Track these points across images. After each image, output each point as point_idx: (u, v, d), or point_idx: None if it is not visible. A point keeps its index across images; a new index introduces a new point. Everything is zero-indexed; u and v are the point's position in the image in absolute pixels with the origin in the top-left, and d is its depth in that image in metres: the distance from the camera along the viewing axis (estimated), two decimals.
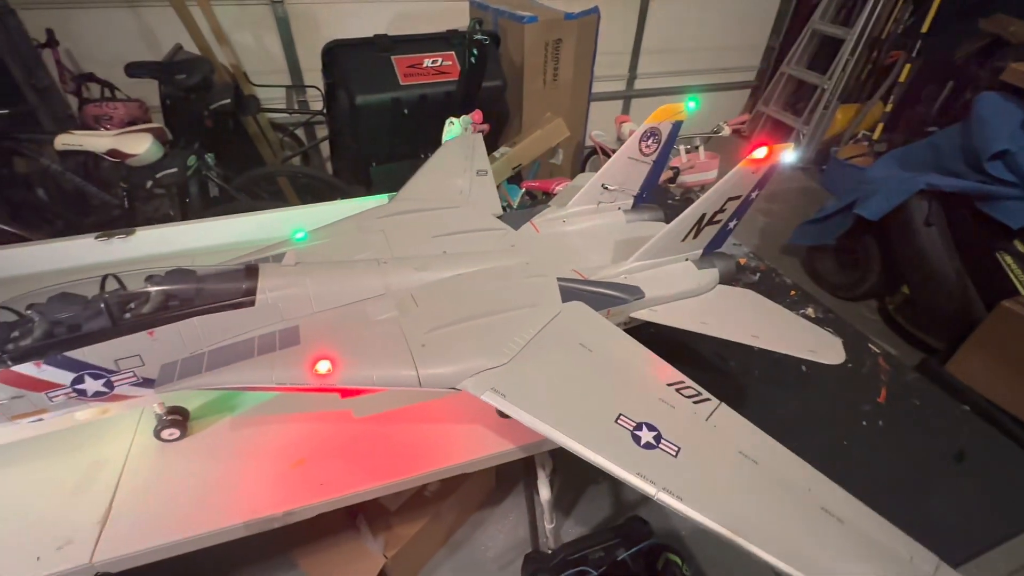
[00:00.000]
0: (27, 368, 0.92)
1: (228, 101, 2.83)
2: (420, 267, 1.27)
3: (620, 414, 0.97)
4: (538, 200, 3.18)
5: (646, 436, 0.94)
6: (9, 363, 0.91)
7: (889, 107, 4.61)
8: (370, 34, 3.26)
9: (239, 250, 1.82)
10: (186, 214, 2.76)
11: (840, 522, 0.86)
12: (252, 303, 1.08)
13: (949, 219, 2.96)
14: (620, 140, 3.87)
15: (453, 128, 2.61)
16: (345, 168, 3.79)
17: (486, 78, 3.33)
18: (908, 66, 4.44)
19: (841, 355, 1.28)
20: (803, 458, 1.35)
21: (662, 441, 0.94)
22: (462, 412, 1.29)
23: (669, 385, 1.04)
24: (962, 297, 2.90)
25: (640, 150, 1.66)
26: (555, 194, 3.13)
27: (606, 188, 1.66)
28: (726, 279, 1.54)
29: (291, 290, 1.12)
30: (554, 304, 1.22)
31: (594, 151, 4.12)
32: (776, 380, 1.55)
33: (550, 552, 1.79)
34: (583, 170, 4.21)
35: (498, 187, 3.30)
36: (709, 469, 0.91)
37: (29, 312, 0.95)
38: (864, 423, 1.44)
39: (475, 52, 2.98)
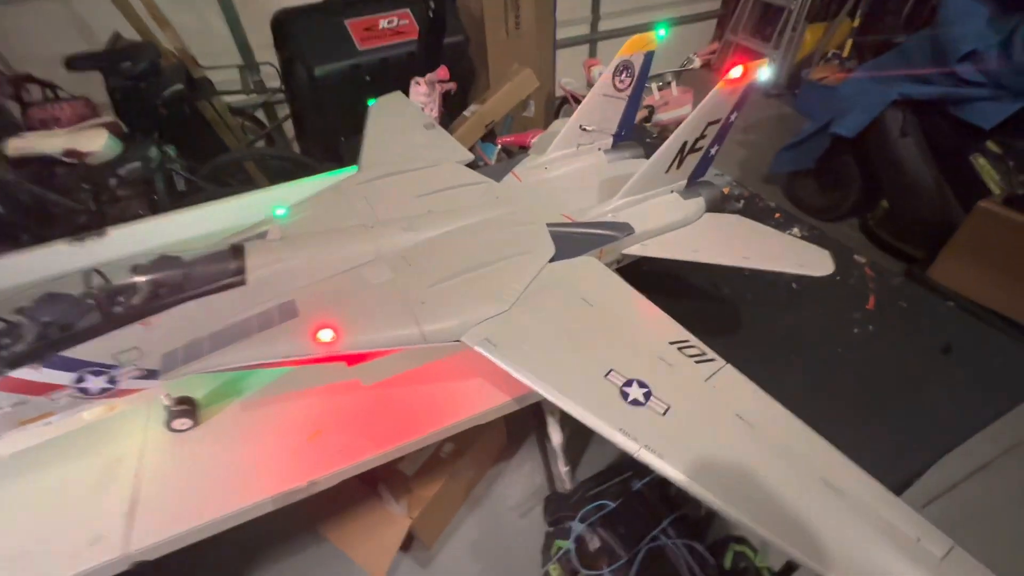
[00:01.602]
0: (26, 372, 0.91)
1: (180, 87, 2.69)
2: (408, 227, 1.26)
3: (611, 369, 0.95)
4: (513, 155, 3.13)
5: (635, 392, 0.92)
6: (6, 370, 0.90)
7: (857, 22, 4.55)
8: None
9: (219, 238, 1.80)
10: (156, 211, 2.68)
11: (840, 494, 0.80)
12: (243, 282, 1.06)
13: (923, 127, 2.97)
14: (591, 85, 3.78)
15: (419, 88, 2.53)
16: (313, 145, 3.67)
17: (447, 34, 3.21)
18: None
19: (830, 266, 1.31)
20: (803, 370, 1.41)
21: (651, 399, 0.91)
22: (468, 369, 1.30)
23: (672, 343, 1.02)
24: (940, 204, 2.95)
25: (614, 86, 1.63)
26: (531, 147, 3.09)
27: (584, 129, 1.64)
28: (712, 207, 1.54)
29: (281, 264, 1.10)
30: (547, 249, 1.22)
31: (565, 100, 4.03)
32: (770, 301, 1.58)
33: (568, 491, 1.86)
34: (555, 116, 4.13)
35: (472, 147, 3.25)
36: (699, 430, 0.87)
37: (17, 317, 0.93)
38: (856, 331, 1.49)
39: (432, 7, 2.86)
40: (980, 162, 2.80)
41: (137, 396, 1.05)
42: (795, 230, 1.85)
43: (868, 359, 1.41)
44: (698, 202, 1.48)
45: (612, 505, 1.71)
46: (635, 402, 0.91)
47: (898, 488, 1.14)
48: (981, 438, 1.22)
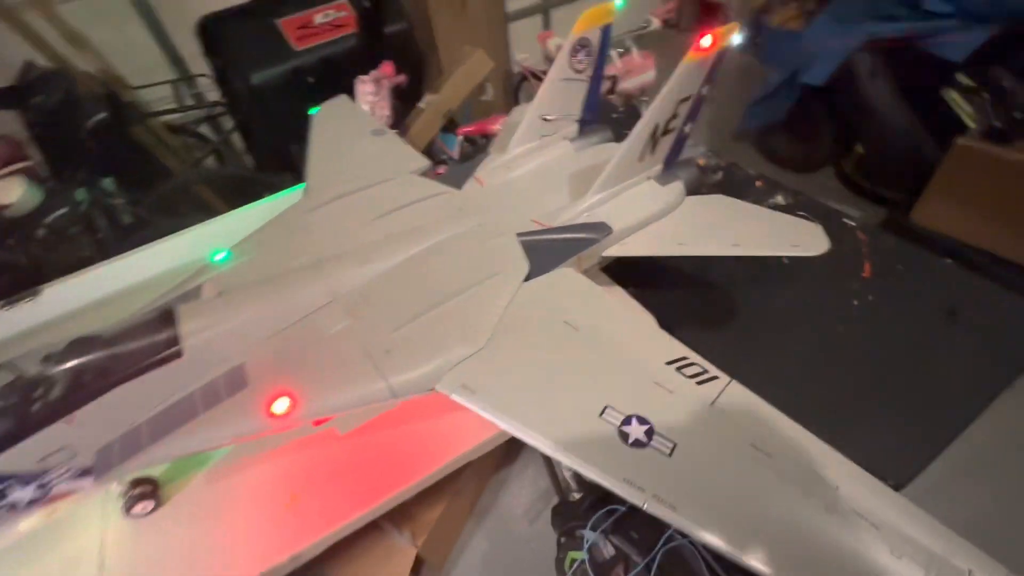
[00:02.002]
0: None
1: (104, 115, 2.47)
2: (363, 260, 1.12)
3: (607, 406, 0.84)
4: (478, 145, 2.97)
5: (636, 432, 0.81)
6: None
7: None
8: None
9: (168, 280, 1.65)
10: (103, 251, 2.49)
11: (878, 528, 0.71)
12: (179, 354, 0.93)
13: (892, 67, 2.88)
14: (548, 59, 3.60)
15: (365, 87, 2.35)
16: (265, 155, 3.46)
17: (388, 22, 3.00)
18: None
19: (824, 242, 1.21)
20: (803, 352, 1.33)
21: (655, 437, 0.81)
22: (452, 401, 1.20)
23: (669, 363, 0.91)
24: (916, 144, 2.88)
25: (572, 68, 1.49)
26: (495, 134, 2.93)
27: (546, 119, 1.50)
28: (692, 188, 1.43)
29: (222, 325, 0.97)
30: (520, 267, 1.10)
31: (524, 77, 3.84)
32: (761, 279, 1.49)
33: (576, 499, 1.79)
34: (516, 100, 3.95)
35: (432, 140, 3.07)
36: (711, 469, 0.77)
37: None
38: (855, 302, 1.41)
39: None
40: (953, 97, 2.72)
41: (77, 497, 0.93)
42: (778, 197, 1.76)
43: (871, 333, 1.34)
44: (677, 187, 1.37)
45: (622, 509, 1.64)
46: (637, 443, 0.80)
47: (913, 474, 1.08)
48: (996, 405, 1.16)
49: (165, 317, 0.96)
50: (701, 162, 1.95)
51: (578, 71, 1.50)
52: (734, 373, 1.30)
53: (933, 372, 1.24)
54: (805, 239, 1.22)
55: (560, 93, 1.49)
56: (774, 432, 0.81)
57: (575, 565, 1.71)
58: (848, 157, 3.36)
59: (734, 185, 1.83)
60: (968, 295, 1.38)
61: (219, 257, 1.22)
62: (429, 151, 3.21)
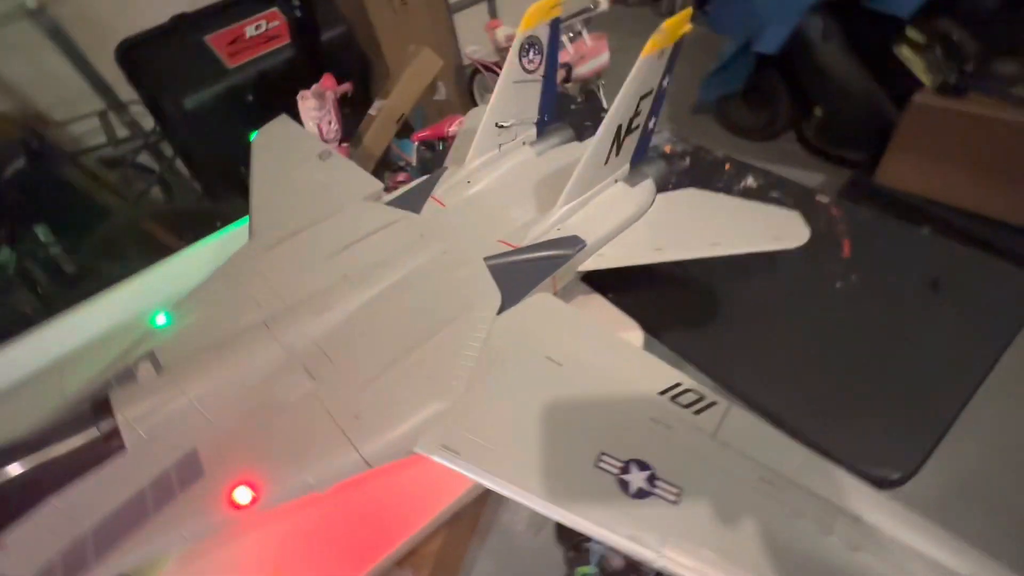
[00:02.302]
0: None
1: (21, 162, 2.27)
2: (319, 309, 1.02)
3: (602, 453, 0.77)
4: (436, 150, 2.85)
5: (637, 480, 0.75)
6: None
7: None
8: (165, 18, 2.66)
9: (117, 336, 1.53)
10: (49, 306, 2.31)
11: (905, 559, 0.65)
12: (122, 446, 0.83)
13: (844, 27, 2.86)
14: (499, 49, 3.48)
15: (307, 102, 2.21)
16: (212, 181, 3.27)
17: (323, 28, 2.84)
18: None
19: (804, 232, 1.16)
20: (791, 343, 1.30)
21: (658, 483, 0.74)
22: None
23: (662, 394, 0.84)
24: (873, 103, 2.88)
25: (523, 68, 1.40)
26: (451, 137, 2.82)
27: (501, 126, 1.41)
28: (662, 184, 1.37)
29: (166, 408, 0.87)
30: (492, 298, 1.02)
31: (476, 70, 3.71)
32: (740, 271, 1.44)
33: None
34: (471, 96, 3.83)
35: (387, 149, 2.94)
36: (723, 514, 0.71)
37: None
38: (838, 284, 1.37)
39: (297, 4, 2.49)
40: (905, 53, 2.71)
41: None
42: (749, 179, 1.71)
43: (857, 316, 1.30)
44: (647, 186, 1.30)
45: None
46: (640, 492, 0.73)
47: (917, 464, 1.05)
48: (991, 380, 1.14)
49: (99, 407, 0.85)
50: (667, 149, 1.89)
51: (529, 71, 1.40)
52: (724, 374, 1.27)
53: (923, 348, 1.22)
54: (785, 229, 1.17)
55: (514, 97, 1.40)
56: (783, 460, 0.76)
57: None
58: (808, 121, 3.35)
59: (702, 170, 1.78)
60: (949, 265, 1.36)
61: (160, 321, 1.11)
62: (386, 159, 3.09)
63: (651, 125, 1.29)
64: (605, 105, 3.23)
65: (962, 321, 1.24)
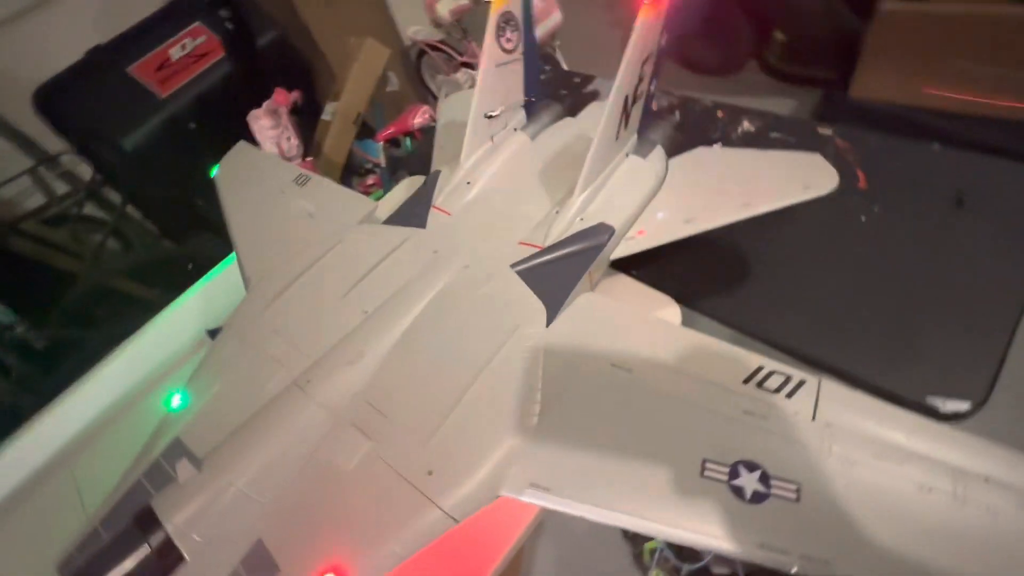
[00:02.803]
0: None
1: None
2: (351, 357, 0.94)
3: (704, 461, 0.72)
4: (403, 147, 2.70)
5: (749, 482, 0.69)
6: None
7: None
8: (80, 54, 2.41)
9: (116, 415, 1.42)
10: (29, 389, 2.16)
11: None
12: (181, 558, 0.75)
13: None
14: (440, 24, 3.29)
15: (261, 122, 2.05)
16: (169, 222, 3.07)
17: (257, 35, 2.62)
18: None
19: (832, 175, 1.11)
20: (831, 284, 1.25)
21: (772, 482, 0.69)
22: None
23: (746, 382, 0.79)
24: (835, 16, 2.83)
25: (502, 49, 1.28)
26: (418, 131, 2.67)
27: (491, 116, 1.31)
28: (669, 147, 1.30)
29: (216, 504, 0.78)
30: (536, 312, 0.94)
31: (422, 52, 3.51)
32: (760, 222, 1.38)
33: None
34: (421, 80, 3.63)
35: (351, 153, 2.78)
36: (848, 500, 0.66)
37: None
38: (863, 218, 1.34)
39: (227, 16, 2.28)
40: None
41: None
42: (745, 124, 1.65)
43: (888, 246, 1.27)
44: (659, 153, 1.23)
45: None
46: (756, 496, 0.69)
47: (987, 388, 1.03)
48: None
49: (144, 519, 0.77)
50: (653, 107, 1.80)
51: (509, 51, 1.29)
52: (769, 332, 1.23)
53: (964, 271, 1.19)
54: (812, 177, 1.12)
55: (498, 82, 1.29)
56: (891, 429, 0.72)
57: (656, 554, 1.66)
58: (770, 48, 3.29)
59: (696, 122, 1.70)
60: (968, 175, 1.33)
61: (176, 402, 1.00)
62: (350, 164, 2.92)
63: (652, 90, 1.20)
64: (565, 67, 3.10)
65: (996, 232, 1.22)
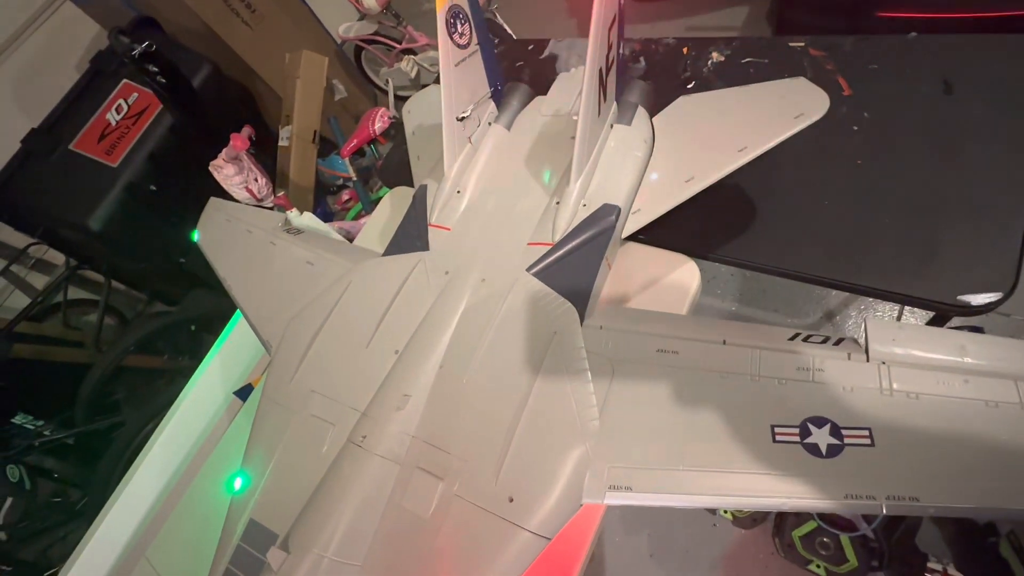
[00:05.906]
0: None
1: None
2: (396, 402, 0.94)
3: (773, 427, 0.73)
4: (369, 156, 2.63)
5: (822, 438, 0.70)
6: None
7: None
8: (16, 144, 2.30)
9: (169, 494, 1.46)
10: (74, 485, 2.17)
11: None
12: None
13: None
14: (371, 15, 3.14)
15: (224, 170, 1.98)
16: (157, 287, 3.02)
17: (190, 76, 2.50)
18: None
19: (822, 97, 1.08)
20: (840, 205, 1.24)
21: (844, 432, 0.70)
22: None
23: (792, 339, 0.79)
24: None
25: (456, 44, 1.22)
26: (378, 134, 2.59)
27: (462, 118, 1.26)
28: (650, 105, 1.26)
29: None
30: (565, 311, 0.94)
31: (360, 49, 3.37)
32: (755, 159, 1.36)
33: None
34: (365, 78, 3.50)
35: (317, 173, 2.70)
36: (921, 433, 0.66)
37: None
38: (855, 128, 1.31)
39: (150, 68, 2.16)
40: None
41: None
42: (713, 56, 1.59)
43: (887, 152, 1.25)
44: (641, 114, 1.19)
45: None
46: (832, 449, 0.70)
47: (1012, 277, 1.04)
48: None
49: None
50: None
51: (463, 46, 1.24)
52: (790, 264, 1.23)
53: (967, 161, 1.18)
54: (802, 103, 1.08)
55: (461, 81, 1.24)
56: (945, 351, 0.72)
57: (814, 535, 1.59)
58: None
59: (663, 63, 1.65)
60: (949, 58, 1.30)
61: (238, 485, 1.01)
62: (319, 184, 2.85)
63: (624, 53, 1.16)
64: (509, 31, 2.98)
65: (991, 113, 1.21)
